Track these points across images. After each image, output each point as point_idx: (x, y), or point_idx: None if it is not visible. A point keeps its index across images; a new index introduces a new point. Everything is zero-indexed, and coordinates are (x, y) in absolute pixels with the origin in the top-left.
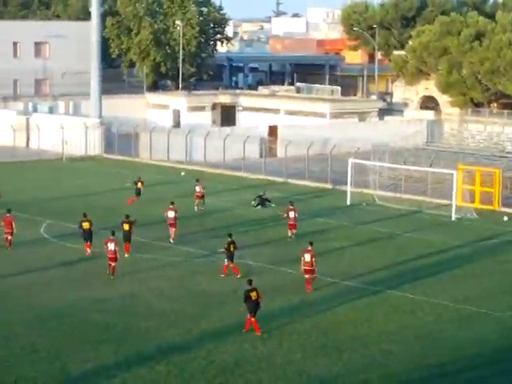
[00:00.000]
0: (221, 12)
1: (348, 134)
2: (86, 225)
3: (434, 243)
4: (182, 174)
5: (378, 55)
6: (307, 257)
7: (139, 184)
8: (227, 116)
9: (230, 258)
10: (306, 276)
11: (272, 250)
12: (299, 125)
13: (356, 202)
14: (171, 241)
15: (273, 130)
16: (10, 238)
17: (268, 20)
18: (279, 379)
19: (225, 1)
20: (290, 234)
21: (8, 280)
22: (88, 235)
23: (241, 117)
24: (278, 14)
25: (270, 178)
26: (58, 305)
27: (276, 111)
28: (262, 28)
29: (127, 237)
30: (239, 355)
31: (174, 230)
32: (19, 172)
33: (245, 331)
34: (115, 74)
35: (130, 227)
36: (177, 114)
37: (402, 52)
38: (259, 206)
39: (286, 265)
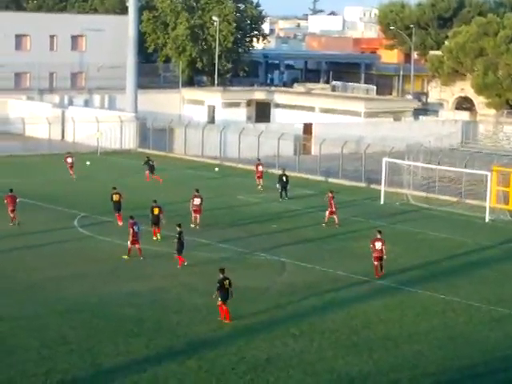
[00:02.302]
0: (258, 8)
1: (382, 134)
2: (115, 197)
3: (467, 244)
4: (216, 169)
5: (414, 55)
6: (378, 245)
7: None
8: (262, 113)
9: (180, 249)
10: (376, 263)
11: (305, 247)
12: (334, 123)
13: (390, 202)
14: (197, 227)
15: (307, 128)
16: (12, 215)
17: (305, 17)
18: (310, 376)
19: None
20: (326, 219)
21: (40, 272)
22: (118, 206)
23: (276, 114)
24: (315, 11)
25: (303, 175)
26: (89, 298)
27: (311, 109)
28: (298, 25)
29: (157, 221)
30: (270, 352)
31: (198, 216)
32: (54, 164)
33: (220, 319)
34: (151, 68)
35: (160, 211)
36: (212, 110)
37: (439, 52)
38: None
39: (319, 262)
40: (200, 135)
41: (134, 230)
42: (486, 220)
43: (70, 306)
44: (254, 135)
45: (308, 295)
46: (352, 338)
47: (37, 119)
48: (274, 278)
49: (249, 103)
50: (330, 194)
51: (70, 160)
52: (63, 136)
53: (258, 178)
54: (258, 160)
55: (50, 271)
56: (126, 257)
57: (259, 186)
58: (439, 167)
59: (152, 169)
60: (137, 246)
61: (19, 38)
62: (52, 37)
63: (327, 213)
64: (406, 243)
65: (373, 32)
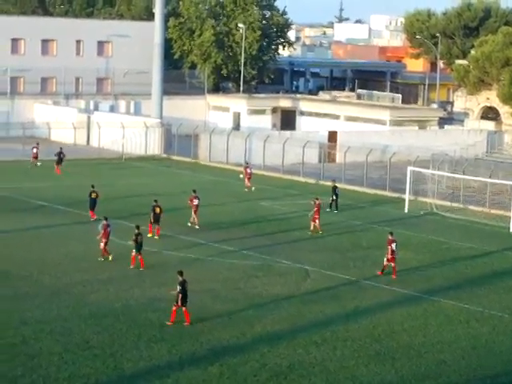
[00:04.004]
0: (284, 16)
1: (407, 142)
2: (93, 195)
3: (491, 254)
4: (241, 176)
5: (440, 64)
6: (393, 246)
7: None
8: (287, 120)
9: (138, 249)
10: (393, 264)
11: (328, 255)
12: (359, 131)
13: (414, 211)
14: (196, 226)
15: (332, 136)
16: None
17: (331, 25)
18: None
19: (288, 5)
20: (312, 228)
21: (65, 277)
22: (94, 204)
23: (301, 121)
24: (341, 19)
25: (327, 183)
26: (113, 303)
27: (336, 117)
28: (324, 33)
29: (159, 219)
30: (292, 359)
31: (196, 216)
32: (79, 170)
33: (170, 322)
34: (177, 74)
35: (161, 211)
36: (237, 117)
37: (464, 61)
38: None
39: (342, 270)
40: (225, 142)
41: (107, 231)
42: (511, 230)
43: (94, 310)
44: (279, 142)
45: (331, 303)
46: (375, 346)
47: (62, 124)
48: (298, 285)
49: (274, 110)
50: (318, 201)
51: (35, 150)
52: (88, 141)
53: (248, 179)
54: (247, 163)
55: (75, 276)
56: (101, 258)
57: (246, 188)
58: (464, 177)
59: (60, 161)
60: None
61: (46, 42)
62: (78, 42)
63: (312, 220)
64: (429, 252)
65: (399, 40)
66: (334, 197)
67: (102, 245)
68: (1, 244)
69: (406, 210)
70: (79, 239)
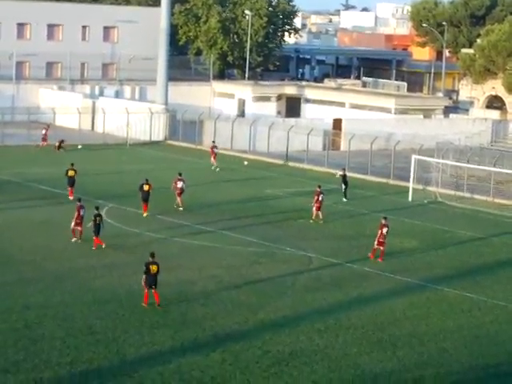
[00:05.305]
0: (290, 3)
1: (412, 131)
2: (71, 172)
3: (495, 244)
4: (245, 163)
5: (446, 53)
6: (385, 230)
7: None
8: (292, 107)
9: (97, 231)
10: (382, 248)
11: (332, 242)
12: (364, 119)
13: (418, 199)
14: (180, 209)
15: (337, 123)
16: None
17: (337, 13)
18: (333, 372)
19: None
20: (314, 216)
21: (69, 262)
22: (72, 182)
23: (306, 109)
24: (347, 7)
25: (332, 170)
26: (116, 288)
27: (341, 104)
28: (330, 21)
29: (147, 197)
30: (295, 346)
31: (181, 198)
32: (83, 155)
33: (144, 305)
34: (182, 60)
35: (150, 188)
36: (242, 104)
37: (470, 50)
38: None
39: (346, 258)
40: (230, 128)
41: (80, 213)
42: None
43: (97, 296)
44: (284, 130)
45: (334, 291)
46: (377, 334)
47: (67, 109)
48: (301, 272)
49: (279, 97)
50: (318, 189)
51: (43, 131)
52: (93, 126)
53: (214, 159)
54: (213, 142)
55: (79, 261)
56: (74, 239)
57: (213, 167)
58: (468, 165)
59: (59, 147)
60: (79, 228)
61: (52, 27)
62: (84, 27)
63: (314, 208)
64: (433, 241)
65: (405, 29)
66: (344, 185)
67: (72, 225)
68: (5, 229)
69: (410, 199)
70: (85, 225)
